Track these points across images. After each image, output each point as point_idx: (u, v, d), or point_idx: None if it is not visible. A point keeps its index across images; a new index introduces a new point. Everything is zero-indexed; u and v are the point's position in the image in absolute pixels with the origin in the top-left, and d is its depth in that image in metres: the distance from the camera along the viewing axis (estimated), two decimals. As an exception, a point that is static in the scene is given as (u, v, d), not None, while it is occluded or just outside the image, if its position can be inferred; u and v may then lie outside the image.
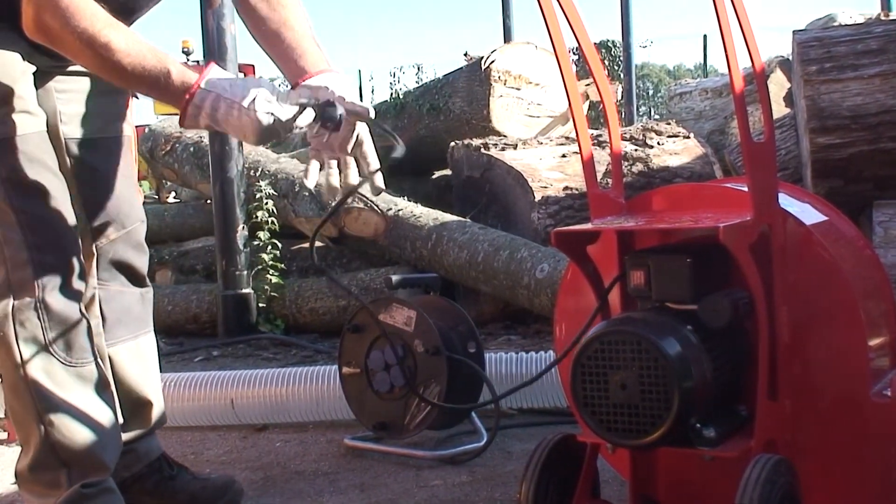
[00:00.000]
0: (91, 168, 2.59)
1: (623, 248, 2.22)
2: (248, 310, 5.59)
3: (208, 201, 6.66)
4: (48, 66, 2.47)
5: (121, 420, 2.62)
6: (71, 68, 2.52)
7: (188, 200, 8.06)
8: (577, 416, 2.12)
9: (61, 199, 2.41)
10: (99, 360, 2.49)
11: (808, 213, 2.25)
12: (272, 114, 2.22)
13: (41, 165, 2.39)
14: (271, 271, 5.68)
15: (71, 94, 2.59)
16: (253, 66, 14.29)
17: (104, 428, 2.44)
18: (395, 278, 3.38)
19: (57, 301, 2.36)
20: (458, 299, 5.14)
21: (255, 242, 5.70)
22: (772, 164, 2.16)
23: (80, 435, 2.39)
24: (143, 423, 2.77)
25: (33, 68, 2.42)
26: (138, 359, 2.74)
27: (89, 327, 2.45)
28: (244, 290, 5.59)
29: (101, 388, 2.46)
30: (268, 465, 3.25)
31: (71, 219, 2.43)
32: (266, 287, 5.63)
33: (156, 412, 2.80)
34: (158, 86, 2.20)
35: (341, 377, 3.31)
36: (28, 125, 2.38)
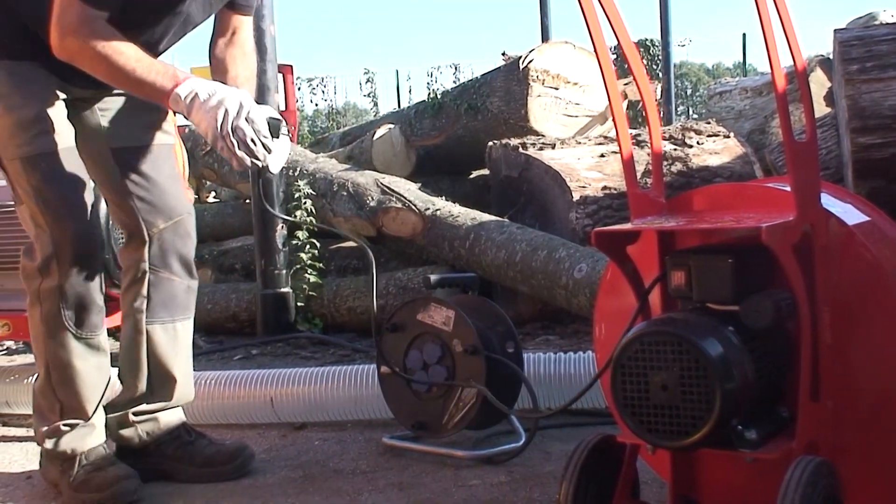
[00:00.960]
0: (138, 171, 3.06)
1: (664, 249, 2.21)
2: (287, 309, 5.61)
3: (247, 201, 6.70)
4: (87, 93, 2.97)
5: (117, 384, 3.17)
6: (111, 91, 3.02)
7: (227, 200, 8.10)
8: (616, 416, 2.11)
9: (84, 205, 2.87)
10: (105, 333, 3.03)
11: (850, 214, 2.23)
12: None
13: (67, 178, 2.86)
14: (309, 270, 5.69)
15: (111, 111, 3.07)
16: (291, 66, 14.37)
17: (90, 386, 2.99)
18: (433, 278, 3.37)
19: (73, 286, 2.87)
20: (496, 299, 5.14)
21: (294, 242, 5.72)
22: (814, 164, 2.14)
23: (70, 387, 2.97)
24: (167, 396, 3.16)
25: (64, 95, 2.91)
26: (173, 340, 3.13)
27: (101, 307, 2.98)
28: (283, 290, 5.61)
29: (99, 356, 3.01)
30: (307, 463, 3.26)
31: (93, 220, 2.93)
32: (304, 286, 5.65)
33: (180, 390, 3.18)
34: (155, 89, 2.69)
35: (379, 376, 3.31)
36: (53, 143, 2.85)
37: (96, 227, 3.00)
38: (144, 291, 3.08)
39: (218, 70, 3.06)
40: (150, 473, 3.11)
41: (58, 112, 2.89)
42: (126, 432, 3.16)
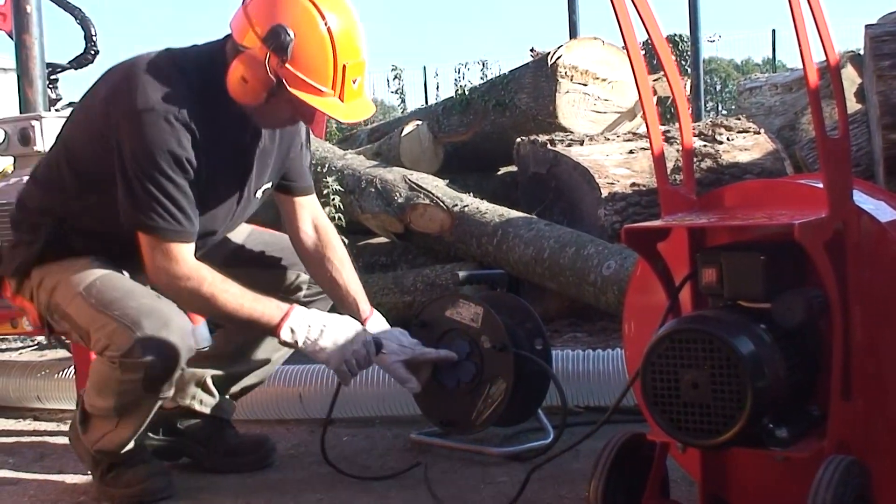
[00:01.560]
0: (251, 254, 3.28)
1: (694, 246, 2.21)
2: (315, 305, 5.60)
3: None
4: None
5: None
6: None
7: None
8: (646, 414, 2.11)
9: (146, 299, 2.87)
10: None
11: (882, 211, 2.21)
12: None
13: (118, 285, 2.90)
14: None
15: None
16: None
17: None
18: (461, 274, 3.37)
19: (159, 365, 2.80)
20: (524, 296, 5.13)
21: (322, 238, 5.71)
22: (847, 161, 2.13)
23: (132, 422, 2.93)
24: (256, 373, 3.33)
25: None
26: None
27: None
28: (311, 286, 5.60)
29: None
30: (335, 459, 3.25)
31: (156, 312, 2.86)
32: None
33: (264, 374, 3.36)
34: (263, 324, 2.86)
35: None
36: (97, 272, 2.90)
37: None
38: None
39: (322, 277, 3.21)
40: (175, 451, 3.23)
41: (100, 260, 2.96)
42: (191, 390, 3.23)
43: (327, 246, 3.20)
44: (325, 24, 2.72)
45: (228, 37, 2.84)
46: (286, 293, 3.18)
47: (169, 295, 2.84)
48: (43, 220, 2.94)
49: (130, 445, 2.99)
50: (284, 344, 2.89)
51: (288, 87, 2.73)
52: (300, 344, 2.85)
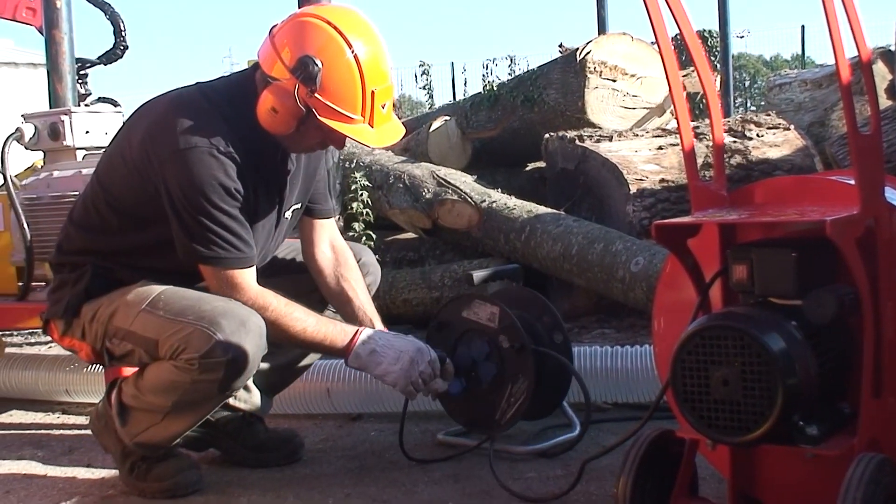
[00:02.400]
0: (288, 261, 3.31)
1: (725, 242, 2.20)
2: (343, 300, 5.61)
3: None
4: None
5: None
6: None
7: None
8: (675, 411, 2.10)
9: (211, 298, 2.89)
10: None
11: (914, 207, 2.20)
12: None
13: (182, 294, 2.91)
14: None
15: None
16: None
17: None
18: (475, 275, 3.34)
19: (241, 362, 2.82)
20: (551, 292, 5.12)
21: (351, 234, 5.73)
22: (878, 157, 2.12)
23: (185, 420, 2.94)
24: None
25: None
26: None
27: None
28: (339, 281, 5.61)
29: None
30: (363, 454, 3.27)
31: (230, 311, 2.88)
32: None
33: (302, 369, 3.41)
34: (332, 348, 2.94)
35: None
36: (158, 288, 2.93)
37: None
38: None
39: (337, 294, 3.21)
40: (203, 443, 3.25)
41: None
42: None
43: (344, 265, 3.23)
44: (352, 52, 2.76)
45: (257, 66, 2.88)
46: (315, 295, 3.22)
47: None
48: (86, 260, 2.97)
49: (177, 441, 3.02)
50: (351, 366, 2.97)
51: (318, 117, 2.77)
52: (368, 367, 2.94)
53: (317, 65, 2.72)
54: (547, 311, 3.24)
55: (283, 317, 2.86)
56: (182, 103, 2.85)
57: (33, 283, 3.74)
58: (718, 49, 11.27)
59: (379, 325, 3.15)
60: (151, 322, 2.85)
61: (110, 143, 3.09)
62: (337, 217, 3.39)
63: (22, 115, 3.95)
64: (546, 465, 3.02)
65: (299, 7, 5.17)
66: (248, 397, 3.26)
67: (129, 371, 3.04)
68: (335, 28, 2.76)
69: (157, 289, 2.90)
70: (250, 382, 3.20)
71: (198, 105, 2.83)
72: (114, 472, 3.14)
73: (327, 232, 3.26)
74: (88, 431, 3.27)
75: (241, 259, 2.83)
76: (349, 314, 3.17)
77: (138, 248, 2.94)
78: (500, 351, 3.10)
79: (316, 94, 2.74)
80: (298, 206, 3.11)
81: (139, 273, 2.95)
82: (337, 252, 3.24)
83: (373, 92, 2.79)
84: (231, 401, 3.19)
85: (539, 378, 3.05)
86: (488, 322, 3.12)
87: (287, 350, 3.20)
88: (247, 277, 2.85)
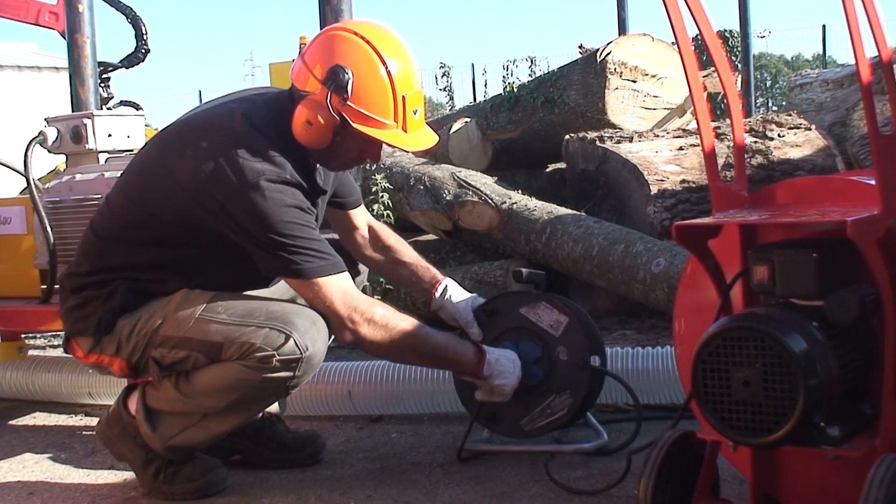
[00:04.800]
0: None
1: (746, 243, 2.19)
2: (364, 302, 5.61)
3: (324, 195, 6.72)
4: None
5: None
6: None
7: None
8: (697, 413, 2.09)
9: (274, 298, 3.03)
10: None
11: (936, 207, 2.18)
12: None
13: (235, 297, 2.95)
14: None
15: None
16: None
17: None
18: (525, 272, 3.29)
19: (316, 358, 2.91)
20: (572, 293, 5.11)
21: (371, 235, 5.72)
22: (900, 157, 2.10)
23: (231, 419, 2.97)
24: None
25: None
26: None
27: None
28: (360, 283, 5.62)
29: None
30: (384, 455, 3.27)
31: (291, 305, 2.99)
32: (381, 279, 5.66)
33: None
34: (464, 365, 3.02)
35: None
36: (212, 294, 2.94)
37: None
38: None
39: (392, 267, 3.41)
40: (225, 451, 3.21)
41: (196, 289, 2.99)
42: None
43: (385, 235, 3.38)
44: (381, 59, 2.81)
45: (292, 87, 2.91)
46: None
47: (361, 343, 2.91)
48: (116, 276, 2.96)
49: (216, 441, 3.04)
50: (484, 374, 3.01)
51: (352, 124, 2.80)
52: (494, 376, 3.00)
53: (347, 73, 2.76)
54: (593, 333, 3.19)
55: (413, 341, 2.91)
56: (233, 137, 2.81)
57: (56, 286, 3.75)
58: (739, 49, 11.23)
59: (437, 274, 3.35)
60: (213, 327, 2.86)
61: (138, 159, 3.06)
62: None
63: (45, 119, 3.97)
64: (568, 467, 3.01)
65: (320, 11, 5.20)
66: None
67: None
68: (363, 38, 2.81)
69: (205, 296, 2.91)
70: None
71: (249, 136, 2.82)
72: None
73: (363, 217, 3.38)
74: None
75: (336, 264, 2.86)
76: (408, 276, 3.38)
77: (180, 262, 2.94)
78: (553, 360, 3.08)
79: (348, 102, 2.78)
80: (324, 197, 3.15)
81: (177, 285, 2.95)
82: (375, 228, 3.38)
83: (404, 97, 2.83)
84: None
85: (587, 398, 3.05)
86: (549, 328, 3.09)
87: None
88: (349, 282, 2.90)
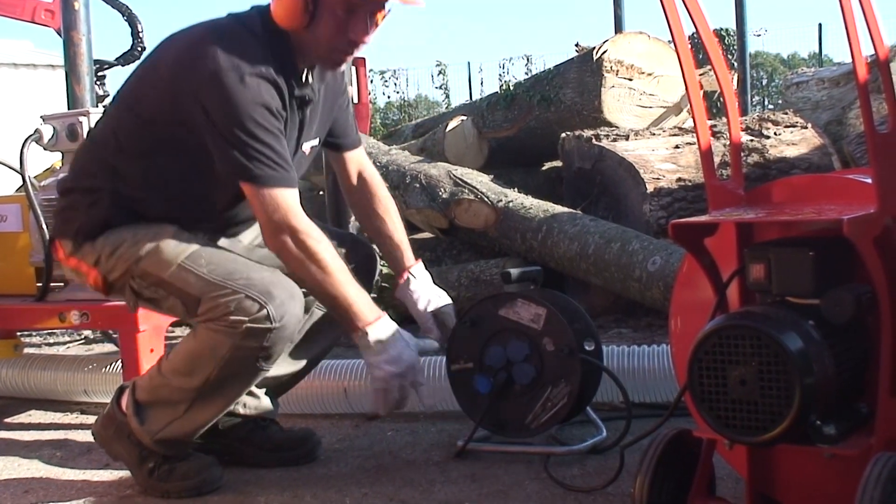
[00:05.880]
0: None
1: (743, 241, 2.19)
2: (360, 300, 5.61)
3: (321, 192, 6.73)
4: (213, 233, 3.08)
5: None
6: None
7: (302, 191, 8.14)
8: (693, 411, 2.09)
9: (255, 263, 2.95)
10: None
11: (933, 206, 2.18)
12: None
13: (223, 254, 2.95)
14: (382, 261, 5.70)
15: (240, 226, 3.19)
16: (364, 59, 14.40)
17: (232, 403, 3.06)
18: (514, 272, 3.29)
19: (284, 332, 2.84)
20: (568, 292, 5.11)
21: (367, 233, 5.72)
22: (896, 156, 2.10)
23: (218, 399, 2.93)
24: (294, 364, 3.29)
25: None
26: (322, 323, 3.24)
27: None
28: (356, 280, 5.61)
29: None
30: (379, 453, 3.27)
31: (274, 271, 2.93)
32: (377, 278, 5.65)
33: (307, 369, 3.36)
34: (348, 316, 2.86)
35: (450, 372, 3.26)
36: (199, 241, 2.94)
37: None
38: None
39: (371, 228, 3.38)
40: (217, 453, 3.17)
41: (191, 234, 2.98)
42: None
43: (373, 197, 3.32)
44: None
45: None
46: None
47: (282, 254, 2.83)
48: (103, 185, 2.95)
49: (202, 431, 3.01)
50: (354, 342, 2.91)
51: None
52: (366, 352, 2.88)
53: None
54: (579, 318, 3.20)
55: (332, 262, 2.82)
56: (219, 30, 2.82)
57: (52, 284, 3.75)
58: (735, 47, 11.24)
59: (409, 256, 3.31)
60: (193, 279, 2.84)
61: (134, 73, 3.05)
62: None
63: (41, 117, 3.96)
64: (563, 465, 3.01)
65: None
66: (256, 403, 3.27)
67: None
68: None
69: (193, 245, 2.90)
70: (255, 388, 3.21)
71: (235, 31, 2.81)
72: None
73: (355, 163, 3.31)
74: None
75: (289, 179, 2.80)
76: (383, 248, 3.35)
77: (166, 175, 2.92)
78: (542, 354, 3.08)
79: None
80: (316, 142, 3.10)
81: (164, 206, 2.95)
82: (366, 182, 3.32)
83: None
84: (240, 409, 3.22)
85: (583, 384, 3.04)
86: (531, 323, 3.09)
87: (307, 350, 3.24)
88: (297, 201, 2.82)
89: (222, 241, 3.08)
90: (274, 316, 2.78)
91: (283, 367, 3.18)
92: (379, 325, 2.86)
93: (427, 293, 3.28)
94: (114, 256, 2.93)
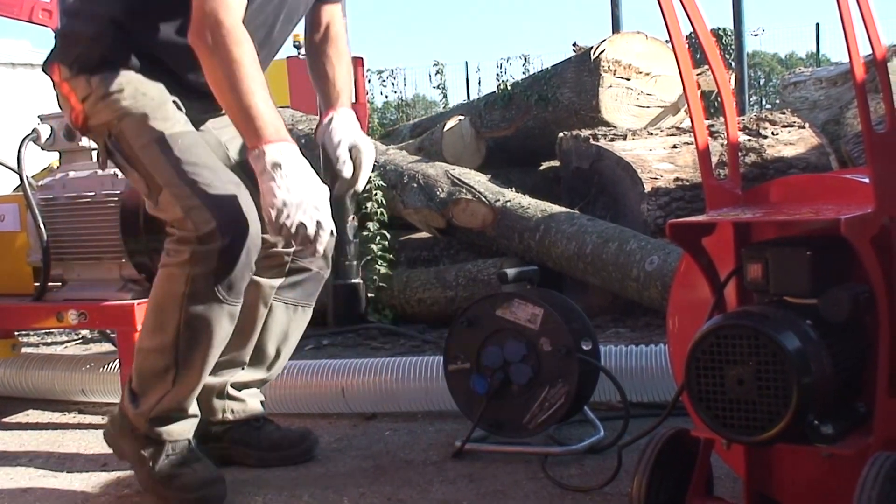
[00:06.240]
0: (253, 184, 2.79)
1: (740, 241, 2.19)
2: (358, 299, 5.63)
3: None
4: (200, 113, 2.98)
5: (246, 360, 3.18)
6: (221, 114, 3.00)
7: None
8: (690, 410, 2.09)
9: (227, 171, 2.81)
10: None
11: (930, 206, 2.19)
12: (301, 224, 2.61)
13: (202, 151, 2.82)
14: (380, 262, 5.72)
15: (227, 128, 3.01)
16: (362, 58, 14.39)
17: (215, 354, 2.85)
18: (510, 273, 3.29)
19: (234, 251, 2.68)
20: (566, 291, 5.12)
21: (365, 233, 5.74)
22: (893, 155, 2.10)
23: (198, 350, 2.80)
24: (266, 369, 3.25)
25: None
26: (289, 321, 3.21)
27: (252, 277, 2.85)
28: (354, 280, 5.63)
29: (232, 324, 2.84)
30: (377, 453, 3.27)
31: (241, 185, 2.77)
32: (375, 277, 5.67)
33: (272, 369, 3.28)
34: (249, 126, 2.63)
35: (447, 373, 3.26)
36: (184, 126, 2.84)
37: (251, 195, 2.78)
38: (284, 272, 3.15)
39: (316, 72, 3.21)
40: (217, 458, 3.08)
41: (181, 113, 2.90)
42: (217, 403, 3.19)
43: (330, 41, 3.20)
44: None
45: None
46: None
47: (198, 48, 2.65)
48: (105, 12, 2.89)
49: (193, 404, 2.93)
50: (248, 162, 2.68)
51: None
52: (261, 176, 2.62)
53: None
54: (576, 317, 3.19)
55: (246, 66, 2.60)
56: None
57: (50, 284, 3.75)
58: (733, 47, 11.27)
59: (344, 100, 3.12)
60: (162, 163, 2.75)
61: None
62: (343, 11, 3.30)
63: (38, 116, 3.96)
64: (562, 465, 3.01)
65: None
66: (242, 407, 3.23)
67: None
68: None
69: (177, 125, 2.81)
70: (239, 392, 3.20)
71: None
72: (129, 472, 3.14)
73: (328, 15, 3.21)
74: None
75: None
76: (321, 89, 3.17)
77: (155, 8, 2.85)
78: (539, 354, 3.08)
79: None
80: None
81: (152, 49, 2.87)
82: (329, 31, 3.20)
83: None
84: (229, 416, 3.19)
85: (581, 384, 3.04)
86: (528, 323, 3.09)
87: (255, 355, 3.20)
88: (237, 4, 2.66)
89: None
90: (220, 233, 2.65)
91: (254, 366, 3.19)
92: (280, 147, 2.61)
93: (349, 132, 3.06)
94: (102, 102, 2.84)
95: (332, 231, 2.67)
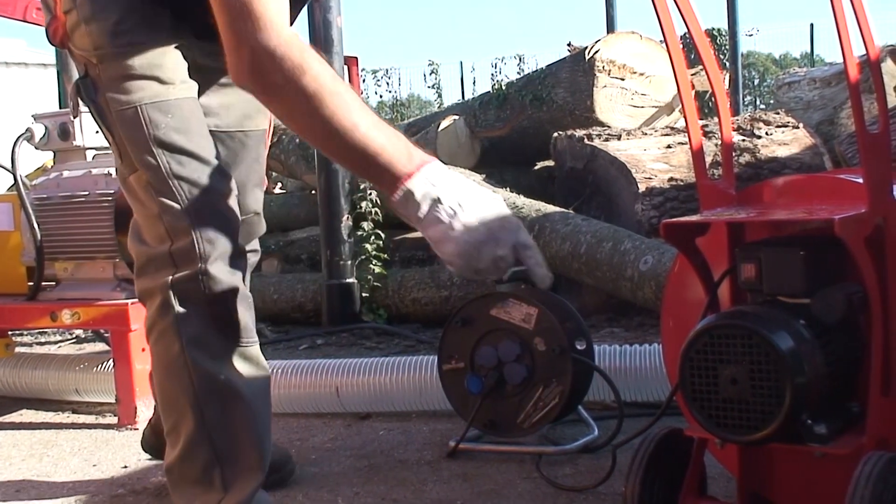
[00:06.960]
0: (224, 159, 2.42)
1: (734, 241, 2.19)
2: (352, 299, 5.63)
3: (313, 192, 6.73)
4: (202, 62, 2.39)
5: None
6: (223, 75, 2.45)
7: (294, 191, 8.15)
8: (684, 410, 2.10)
9: (217, 165, 2.25)
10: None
11: (924, 206, 2.19)
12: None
13: (195, 132, 2.26)
14: (374, 261, 5.71)
15: (215, 87, 2.57)
16: (356, 58, 14.37)
17: (262, 421, 2.25)
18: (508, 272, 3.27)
19: (221, 271, 2.17)
20: (560, 291, 5.11)
21: (359, 233, 5.74)
22: (887, 155, 2.11)
23: (236, 428, 2.20)
24: None
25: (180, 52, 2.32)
26: None
27: (251, 301, 2.29)
28: (348, 280, 5.63)
29: (262, 370, 2.27)
30: (372, 453, 3.27)
31: (230, 184, 2.27)
32: (369, 277, 5.67)
33: None
34: (380, 165, 1.99)
35: (441, 373, 3.25)
36: (180, 92, 2.26)
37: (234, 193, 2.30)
38: None
39: None
40: None
41: (178, 61, 2.30)
42: None
43: None
44: None
45: None
46: None
47: (255, 90, 2.02)
48: None
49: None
50: (395, 206, 2.04)
51: None
52: (426, 221, 2.01)
53: None
54: (570, 317, 3.19)
55: (331, 92, 1.93)
56: None
57: (43, 283, 3.75)
58: (727, 47, 11.27)
59: None
60: (142, 134, 2.19)
61: None
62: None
63: (32, 116, 3.96)
64: (555, 464, 3.01)
65: (308, 7, 5.19)
66: None
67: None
68: None
69: (176, 92, 2.24)
70: None
71: None
72: (123, 472, 3.15)
73: None
74: (98, 431, 3.27)
75: None
76: None
77: None
78: (534, 353, 3.08)
79: None
80: None
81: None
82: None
83: None
84: None
85: (575, 383, 3.04)
86: (522, 323, 3.08)
87: None
88: (278, 14, 1.96)
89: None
90: (203, 253, 2.15)
91: None
92: (425, 174, 1.98)
93: None
94: (86, 25, 2.22)
95: (532, 244, 2.19)
